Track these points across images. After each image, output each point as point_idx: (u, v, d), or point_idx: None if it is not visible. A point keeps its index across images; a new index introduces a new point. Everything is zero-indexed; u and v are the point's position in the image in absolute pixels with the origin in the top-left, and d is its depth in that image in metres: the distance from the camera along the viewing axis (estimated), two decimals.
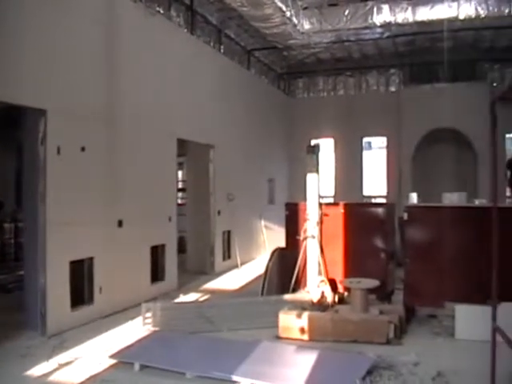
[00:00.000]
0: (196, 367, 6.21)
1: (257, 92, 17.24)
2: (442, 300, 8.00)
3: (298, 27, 14.26)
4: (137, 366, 6.36)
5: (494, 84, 17.25)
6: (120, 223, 9.51)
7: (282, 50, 18.21)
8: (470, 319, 7.32)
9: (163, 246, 11.21)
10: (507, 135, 16.89)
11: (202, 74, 13.09)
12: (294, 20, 13.80)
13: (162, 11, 11.87)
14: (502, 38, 17.08)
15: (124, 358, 6.68)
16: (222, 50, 15.14)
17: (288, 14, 13.30)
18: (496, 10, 13.22)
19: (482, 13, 13.31)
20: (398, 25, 14.33)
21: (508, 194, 16.13)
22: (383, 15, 13.91)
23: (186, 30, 13.07)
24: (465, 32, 16.08)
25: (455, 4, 13.34)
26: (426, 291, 8.27)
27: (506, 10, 13.17)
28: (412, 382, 5.98)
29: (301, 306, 8.00)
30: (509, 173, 15.68)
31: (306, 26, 14.51)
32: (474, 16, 13.43)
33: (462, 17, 13.51)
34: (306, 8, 14.36)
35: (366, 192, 19.48)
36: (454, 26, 14.34)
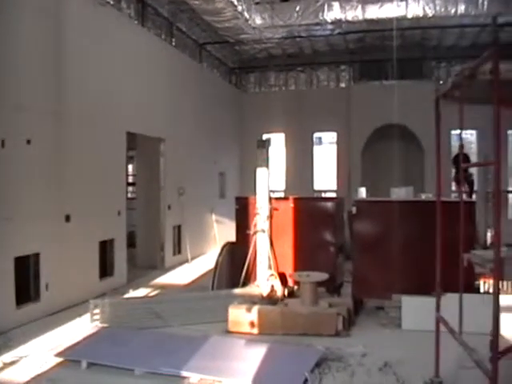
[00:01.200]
0: (145, 364, 6.14)
1: (208, 86, 17.14)
2: (389, 292, 8.18)
3: (249, 22, 14.24)
4: (84, 364, 6.23)
5: (441, 82, 17.73)
6: (67, 218, 9.29)
7: (234, 45, 18.18)
8: (416, 310, 7.52)
9: (112, 240, 11.02)
10: (452, 132, 17.45)
11: (152, 67, 12.91)
12: (246, 15, 13.77)
13: (112, 2, 11.61)
14: (449, 37, 17.56)
15: (71, 356, 6.54)
16: (173, 43, 14.96)
17: (240, 8, 13.26)
18: (443, 9, 13.53)
19: (430, 12, 13.60)
20: (348, 22, 14.49)
21: (454, 188, 16.63)
22: (334, 12, 14.02)
23: (136, 22, 12.84)
24: (413, 31, 16.44)
25: (403, 3, 13.58)
26: (373, 284, 8.45)
27: (453, 10, 13.51)
28: (360, 373, 6.11)
29: (251, 300, 8.03)
30: (454, 169, 16.19)
31: (258, 21, 14.50)
32: (421, 15, 13.71)
33: (410, 16, 13.77)
34: (257, 3, 14.35)
35: (316, 186, 19.69)
36: (403, 25, 14.63)
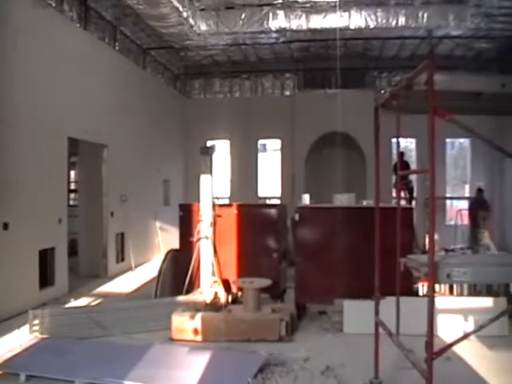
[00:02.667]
0: (86, 374, 6.00)
1: (152, 92, 17.00)
2: (331, 297, 8.32)
3: (194, 28, 14.20)
4: (22, 377, 6.03)
5: (382, 91, 18.23)
6: (5, 226, 8.98)
7: (179, 51, 18.10)
8: (357, 314, 7.67)
9: (53, 249, 10.73)
10: (393, 140, 17.93)
11: (95, 72, 12.68)
12: (191, 21, 13.73)
13: (53, 4, 11.35)
14: (390, 47, 18.11)
15: (9, 369, 6.32)
16: (117, 48, 14.76)
17: (185, 14, 13.20)
18: (384, 21, 13.92)
19: (371, 24, 13.96)
20: (292, 31, 14.71)
21: (394, 195, 17.09)
22: (279, 21, 14.18)
23: (78, 25, 12.60)
24: (355, 41, 16.86)
25: (346, 14, 13.90)
26: (316, 289, 8.57)
27: (393, 22, 13.92)
28: (302, 377, 6.19)
29: (194, 308, 7.99)
30: (395, 176, 16.63)
31: (203, 27, 14.49)
32: (363, 26, 14.05)
33: (352, 26, 14.09)
34: (203, 9, 14.34)
35: (261, 193, 19.83)
36: (346, 35, 14.97)
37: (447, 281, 3.92)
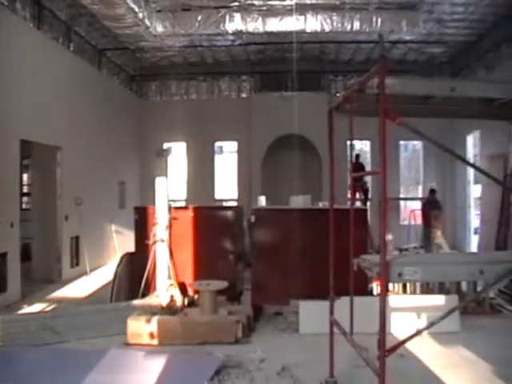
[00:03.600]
0: (40, 382, 5.86)
1: (108, 93, 16.76)
2: (287, 298, 8.38)
3: (150, 29, 14.07)
4: None
5: (338, 94, 18.51)
6: None
7: (135, 52, 17.92)
8: (313, 314, 7.73)
9: (4, 254, 10.43)
10: (349, 142, 18.23)
11: (48, 72, 12.41)
12: (147, 22, 13.60)
13: (5, 3, 11.06)
14: (345, 51, 18.41)
15: None
16: (71, 48, 14.49)
17: (141, 15, 13.07)
18: (339, 25, 14.13)
19: (327, 28, 14.15)
20: (249, 33, 14.77)
21: (349, 196, 17.35)
22: (235, 23, 14.20)
23: (32, 25, 12.31)
24: (312, 44, 17.08)
25: (302, 18, 14.05)
26: (272, 290, 8.63)
27: (348, 27, 14.15)
28: (259, 378, 6.20)
29: (150, 311, 7.91)
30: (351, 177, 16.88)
31: (159, 28, 14.37)
32: (319, 30, 14.24)
33: (308, 30, 14.25)
34: (159, 11, 14.22)
35: (217, 195, 19.81)
36: (302, 38, 15.14)
37: (399, 280, 4.00)
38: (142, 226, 9.70)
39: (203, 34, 14.73)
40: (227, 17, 14.19)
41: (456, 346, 7.37)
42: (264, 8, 14.19)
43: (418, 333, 4.13)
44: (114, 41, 16.10)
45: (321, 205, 9.84)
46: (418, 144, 20.48)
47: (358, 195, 16.92)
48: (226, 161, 20.62)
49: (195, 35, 15.01)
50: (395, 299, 8.27)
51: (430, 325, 4.30)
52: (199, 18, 14.23)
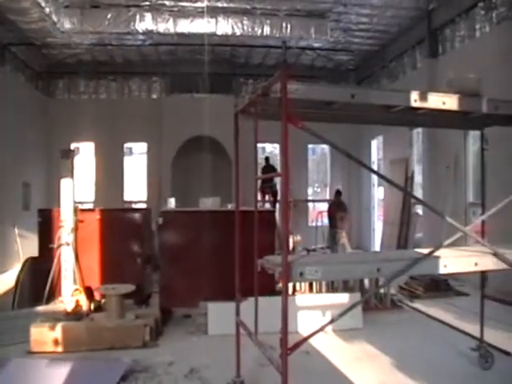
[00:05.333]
0: None
1: (12, 90, 15.94)
2: (196, 300, 8.38)
3: (57, 25, 13.57)
4: None
5: (248, 97, 18.72)
6: None
7: (41, 48, 17.23)
8: (221, 316, 7.75)
9: None
10: (259, 144, 18.51)
11: None
12: (54, 18, 13.11)
13: None
14: (256, 55, 18.69)
15: None
16: None
17: (47, 10, 12.56)
18: (250, 29, 14.35)
19: (238, 31, 14.32)
20: (159, 34, 14.65)
21: (259, 198, 17.61)
22: (146, 23, 14.03)
23: None
24: (223, 47, 17.18)
25: (214, 20, 14.12)
26: (181, 293, 8.59)
27: (259, 31, 14.40)
28: (167, 381, 6.18)
29: (55, 317, 7.63)
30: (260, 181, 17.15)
31: (67, 25, 13.89)
32: (230, 33, 14.38)
33: (219, 33, 14.35)
34: (67, 6, 13.74)
35: (126, 197, 19.42)
36: (213, 41, 15.20)
37: (300, 279, 4.13)
38: (46, 229, 9.34)
39: (113, 32, 14.48)
40: (137, 16, 14.01)
41: (359, 342, 7.70)
42: (175, 9, 14.14)
43: (320, 330, 4.27)
44: (19, 35, 15.34)
45: (230, 206, 9.89)
46: (325, 147, 21.13)
47: (267, 197, 17.26)
48: (136, 162, 20.27)
49: (104, 33, 14.70)
50: (301, 298, 8.50)
51: (331, 321, 4.47)
52: (109, 15, 13.95)
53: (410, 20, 15.13)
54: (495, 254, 4.94)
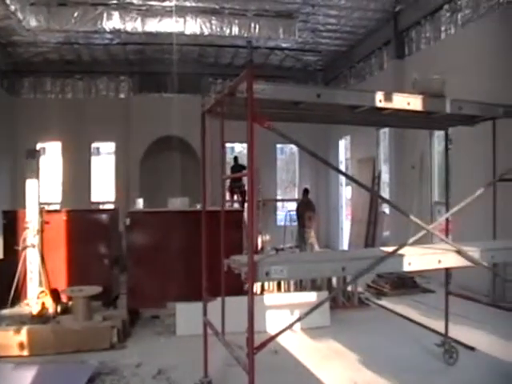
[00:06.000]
0: None
1: None
2: (164, 301, 8.34)
3: (23, 23, 13.27)
4: None
5: (214, 97, 18.71)
6: None
7: (6, 46, 16.85)
8: (189, 316, 7.72)
9: None
10: (228, 144, 18.66)
11: None
12: (19, 15, 12.82)
13: None
14: (225, 55, 18.64)
15: None
16: None
17: (12, 7, 12.27)
18: (218, 29, 14.31)
19: (206, 31, 14.26)
20: (127, 33, 14.48)
21: (228, 198, 17.61)
22: (113, 22, 13.83)
23: None
24: (191, 47, 17.10)
25: (182, 20, 14.04)
26: (148, 293, 8.55)
27: (227, 31, 14.37)
28: (134, 383, 6.12)
29: (20, 321, 7.52)
30: (228, 179, 17.15)
31: (33, 23, 13.59)
32: (198, 33, 14.30)
33: (188, 32, 14.26)
34: (33, 4, 13.45)
35: (94, 198, 19.15)
36: (182, 41, 15.13)
37: (266, 279, 4.15)
38: (11, 230, 9.19)
39: (80, 30, 14.22)
40: (105, 14, 13.79)
41: (327, 340, 7.77)
42: (143, 8, 13.99)
43: (286, 328, 4.28)
44: None
45: (198, 207, 9.87)
46: (294, 147, 21.23)
47: (235, 197, 17.27)
48: (104, 162, 20.02)
49: (71, 32, 14.45)
50: (270, 298, 8.54)
51: (297, 320, 4.50)
52: (75, 14, 13.69)
53: (376, 21, 15.32)
54: (458, 252, 5.04)
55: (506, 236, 6.09)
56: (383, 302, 10.28)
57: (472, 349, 7.13)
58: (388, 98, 4.84)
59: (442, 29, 12.88)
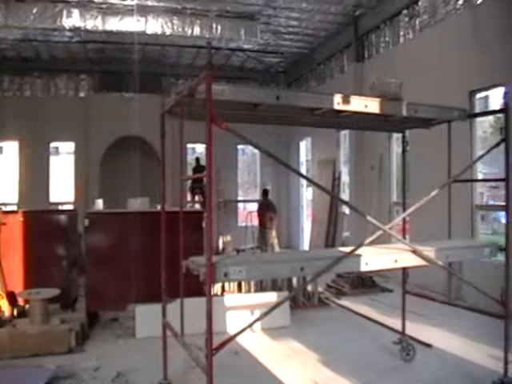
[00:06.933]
0: None
1: None
2: (124, 303, 8.25)
3: None
4: None
5: (173, 98, 18.57)
6: None
7: None
8: (149, 318, 7.64)
9: None
10: (188, 145, 18.60)
11: None
12: None
13: None
14: (186, 55, 18.57)
15: None
16: None
17: None
18: (180, 29, 14.25)
19: (168, 31, 14.19)
20: (87, 31, 14.26)
21: (189, 199, 17.55)
22: (73, 19, 13.60)
23: None
24: (153, 46, 16.97)
25: (143, 19, 13.92)
26: (108, 295, 8.42)
27: (189, 32, 14.33)
28: None
29: None
30: (190, 180, 17.11)
31: None
32: (160, 33, 14.21)
33: (149, 32, 14.15)
34: None
35: (53, 198, 18.75)
36: (143, 40, 15.01)
37: (225, 279, 4.16)
38: None
39: (39, 28, 13.93)
40: (64, 12, 13.56)
41: (287, 339, 7.83)
42: (104, 6, 13.83)
43: (245, 329, 4.31)
44: None
45: (159, 207, 9.79)
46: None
47: (196, 198, 17.23)
48: (63, 162, 19.64)
49: (30, 29, 14.14)
50: (230, 298, 8.54)
51: (256, 320, 4.53)
52: (34, 10, 13.42)
53: (337, 25, 15.53)
54: (414, 251, 5.16)
55: (460, 235, 6.27)
56: (343, 301, 10.42)
57: (429, 346, 7.30)
58: (346, 100, 4.92)
59: (401, 33, 13.17)
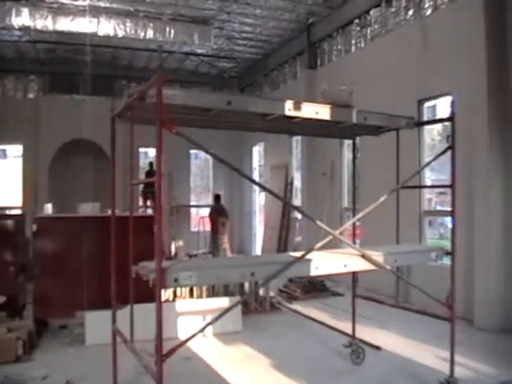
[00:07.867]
0: None
1: None
2: (73, 310, 8.09)
3: None
4: None
5: (124, 101, 18.35)
6: None
7: None
8: (99, 325, 7.51)
9: None
10: (140, 149, 18.41)
11: None
12: None
13: None
14: (139, 58, 18.39)
15: None
16: None
17: None
18: (133, 32, 14.11)
19: (120, 33, 14.02)
20: (37, 31, 13.93)
21: (141, 203, 17.34)
22: (22, 18, 13.27)
23: None
24: (105, 48, 16.71)
25: (95, 20, 13.71)
26: (57, 302, 8.24)
27: (142, 34, 14.21)
28: None
29: None
30: (142, 185, 16.94)
31: None
32: (112, 35, 14.04)
33: (101, 33, 13.95)
34: None
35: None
36: (95, 41, 14.77)
37: (175, 285, 4.14)
38: None
39: None
40: (14, 10, 13.23)
41: (238, 344, 7.85)
42: (55, 6, 13.54)
43: (196, 334, 4.30)
44: None
45: (110, 212, 9.64)
46: None
47: (149, 202, 17.06)
48: (10, 165, 19.06)
49: None
50: (182, 304, 8.49)
51: (207, 325, 4.53)
52: None
53: (290, 32, 15.71)
54: (363, 256, 5.27)
55: (409, 240, 6.43)
56: (294, 305, 10.50)
57: (378, 348, 7.44)
58: (297, 106, 4.98)
59: (353, 42, 13.44)
